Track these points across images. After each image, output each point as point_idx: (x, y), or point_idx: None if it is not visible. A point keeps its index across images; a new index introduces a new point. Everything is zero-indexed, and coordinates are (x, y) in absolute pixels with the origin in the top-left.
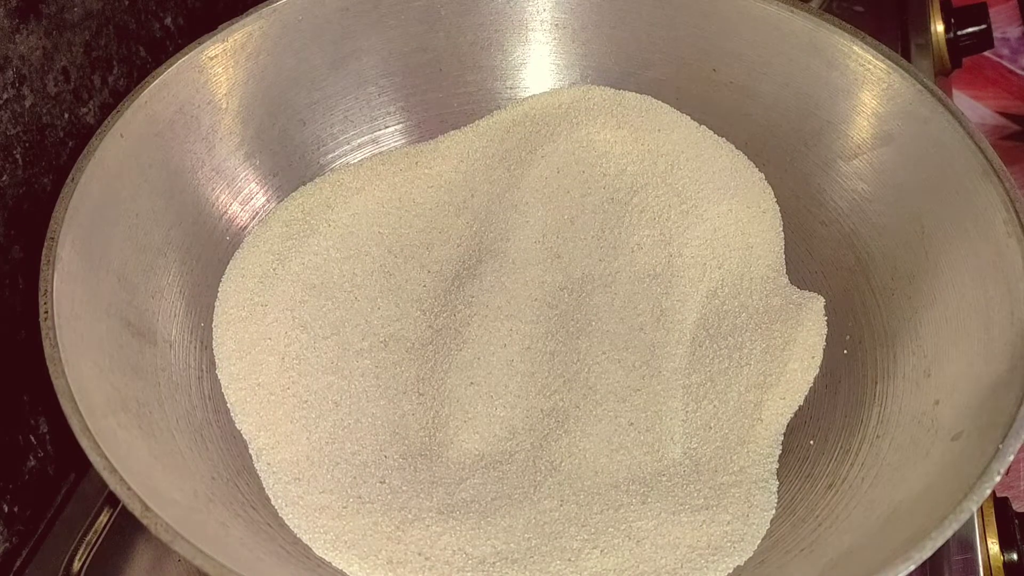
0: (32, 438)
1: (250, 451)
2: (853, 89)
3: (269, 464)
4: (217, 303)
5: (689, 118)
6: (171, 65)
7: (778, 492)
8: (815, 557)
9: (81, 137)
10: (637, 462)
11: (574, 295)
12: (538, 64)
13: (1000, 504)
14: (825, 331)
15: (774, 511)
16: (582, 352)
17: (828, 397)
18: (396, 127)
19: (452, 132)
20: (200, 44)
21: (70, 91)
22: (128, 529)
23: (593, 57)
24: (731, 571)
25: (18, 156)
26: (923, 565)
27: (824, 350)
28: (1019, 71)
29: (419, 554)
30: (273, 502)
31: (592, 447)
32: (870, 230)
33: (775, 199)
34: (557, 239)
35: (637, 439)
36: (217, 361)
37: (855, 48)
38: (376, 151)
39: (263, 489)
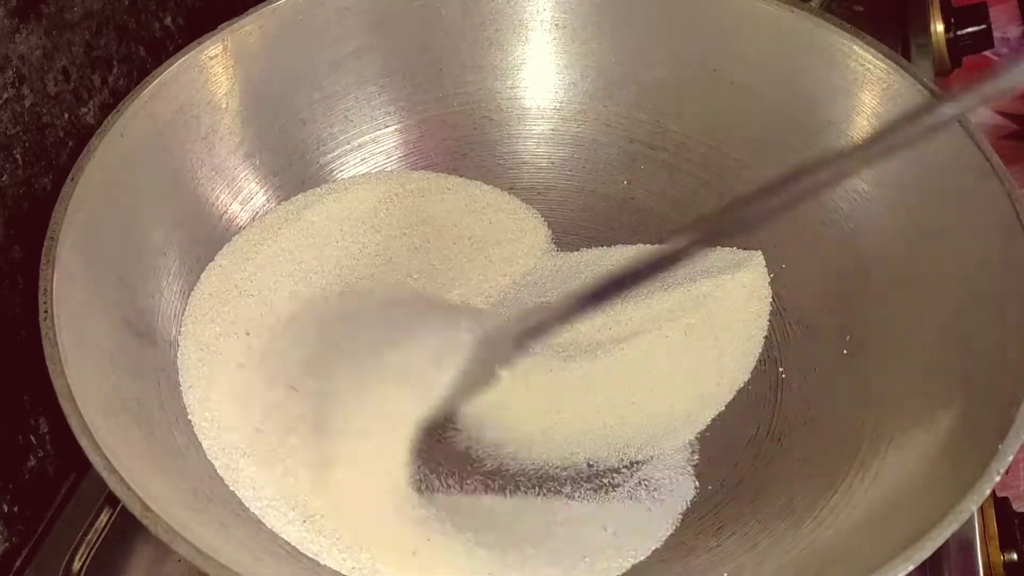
0: (32, 438)
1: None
2: (853, 89)
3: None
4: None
5: None
6: (171, 65)
7: (778, 492)
8: (815, 557)
9: (81, 137)
10: None
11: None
12: (538, 64)
13: (1000, 504)
14: None
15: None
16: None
17: (828, 397)
18: (396, 127)
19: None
20: (200, 44)
21: (70, 91)
22: (128, 529)
23: (593, 57)
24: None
25: (18, 156)
26: (923, 565)
27: (825, 350)
28: None
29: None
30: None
31: None
32: (870, 230)
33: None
34: None
35: None
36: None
37: (855, 48)
38: (376, 150)
39: None
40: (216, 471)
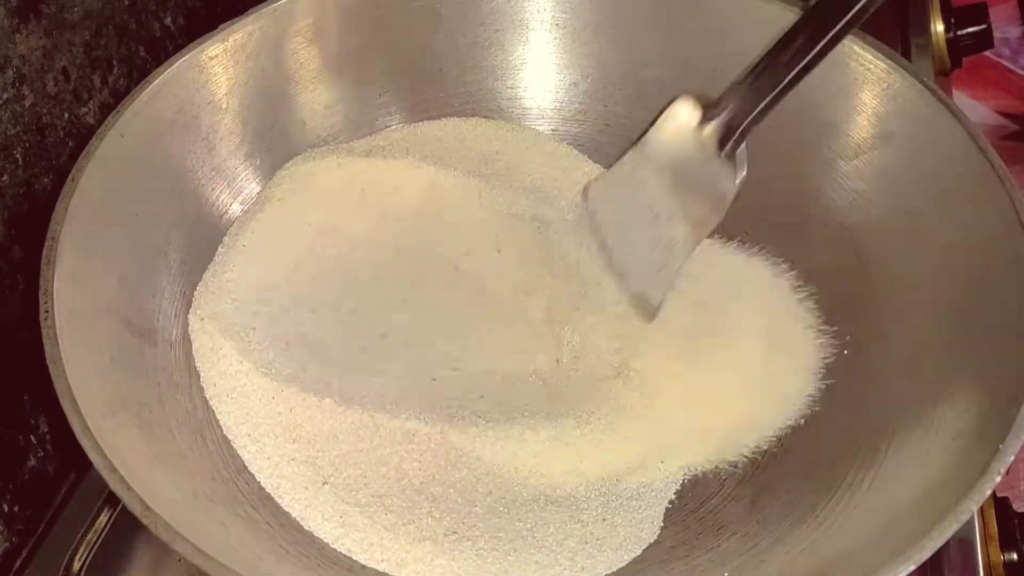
0: (32, 438)
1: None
2: (853, 89)
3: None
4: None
5: None
6: (171, 65)
7: (778, 492)
8: (815, 557)
9: (81, 137)
10: None
11: None
12: (538, 64)
13: (1000, 504)
14: None
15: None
16: None
17: (828, 397)
18: (396, 127)
19: None
20: (200, 44)
21: (70, 91)
22: (128, 529)
23: (593, 57)
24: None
25: (18, 156)
26: (923, 565)
27: (823, 349)
28: (1019, 71)
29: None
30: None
31: None
32: (870, 230)
33: None
34: None
35: None
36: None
37: (855, 48)
38: None
39: (263, 488)
40: (218, 472)
